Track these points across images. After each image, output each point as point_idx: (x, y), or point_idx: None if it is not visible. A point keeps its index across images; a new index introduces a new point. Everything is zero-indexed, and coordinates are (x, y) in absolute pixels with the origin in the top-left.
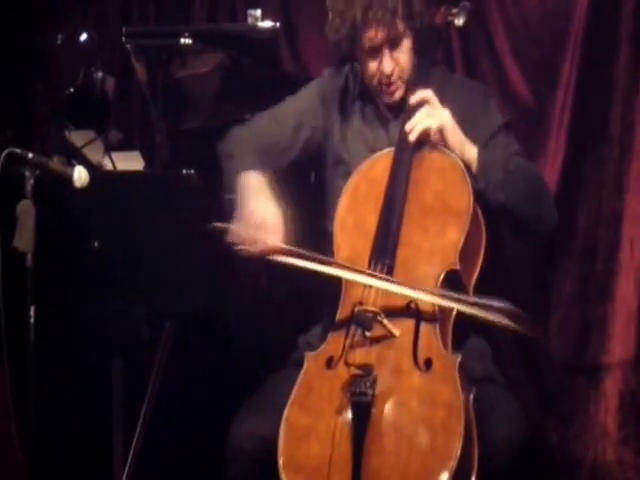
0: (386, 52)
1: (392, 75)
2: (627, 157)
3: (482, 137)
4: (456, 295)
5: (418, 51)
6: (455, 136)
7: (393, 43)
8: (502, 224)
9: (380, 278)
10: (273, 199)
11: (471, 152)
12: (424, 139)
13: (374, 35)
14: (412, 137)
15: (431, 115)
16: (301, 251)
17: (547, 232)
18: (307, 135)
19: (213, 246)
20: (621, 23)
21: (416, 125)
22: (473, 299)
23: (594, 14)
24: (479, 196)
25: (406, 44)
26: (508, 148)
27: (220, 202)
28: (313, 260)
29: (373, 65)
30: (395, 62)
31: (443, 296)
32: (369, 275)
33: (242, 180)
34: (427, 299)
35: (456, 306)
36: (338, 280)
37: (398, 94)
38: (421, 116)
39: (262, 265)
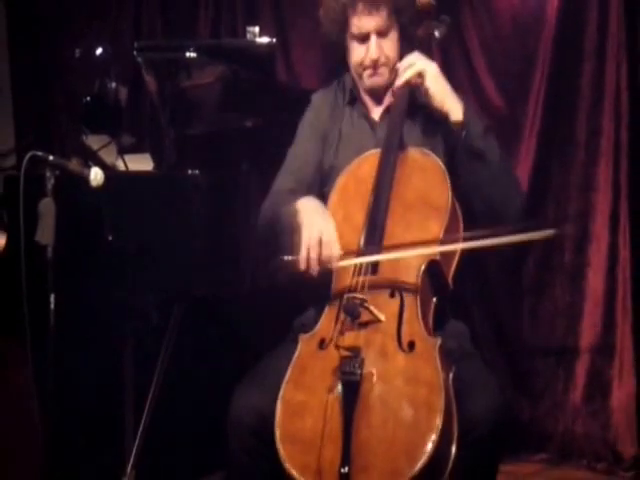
0: (373, 39)
1: (378, 61)
2: (593, 159)
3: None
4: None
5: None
6: (438, 85)
7: (381, 31)
8: (472, 210)
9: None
10: (325, 213)
11: (454, 103)
12: (406, 142)
13: (363, 22)
14: (399, 81)
15: (419, 58)
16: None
17: (511, 217)
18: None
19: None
20: (586, 39)
21: (405, 65)
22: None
23: (561, 31)
24: (460, 149)
25: (392, 35)
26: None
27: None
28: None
29: (361, 50)
30: (381, 49)
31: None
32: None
33: (298, 208)
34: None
35: (459, 246)
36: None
37: (381, 78)
38: (408, 60)
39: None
